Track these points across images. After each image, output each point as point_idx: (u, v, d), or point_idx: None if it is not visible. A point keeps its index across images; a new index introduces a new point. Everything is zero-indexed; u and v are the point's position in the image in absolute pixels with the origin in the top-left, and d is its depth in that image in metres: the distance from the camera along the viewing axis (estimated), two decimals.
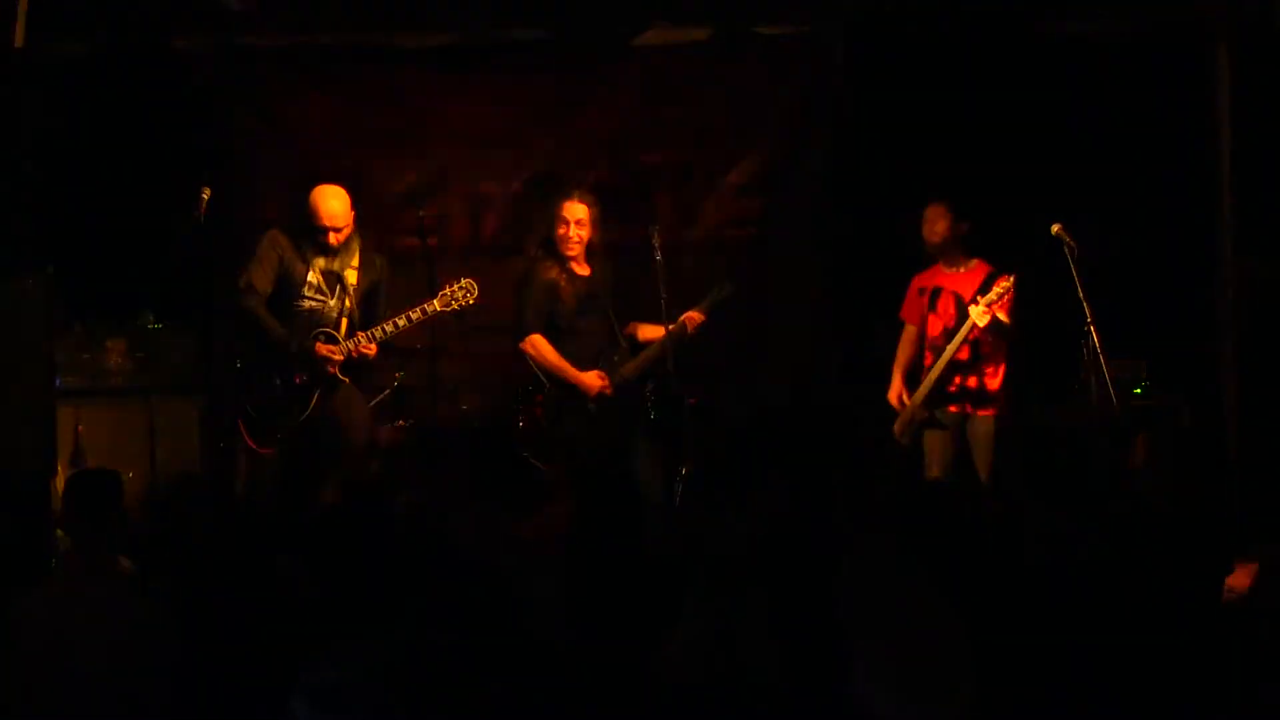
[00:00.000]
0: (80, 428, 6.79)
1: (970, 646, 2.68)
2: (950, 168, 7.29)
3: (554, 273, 6.62)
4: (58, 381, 6.00)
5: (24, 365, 5.61)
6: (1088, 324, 6.34)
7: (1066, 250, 6.33)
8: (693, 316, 6.61)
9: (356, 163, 7.82)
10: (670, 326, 6.40)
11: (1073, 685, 3.47)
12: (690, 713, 3.07)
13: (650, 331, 6.73)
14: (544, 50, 7.82)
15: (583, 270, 6.69)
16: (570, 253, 6.61)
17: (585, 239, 6.63)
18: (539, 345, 6.64)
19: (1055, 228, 6.41)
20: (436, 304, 6.41)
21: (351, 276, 6.43)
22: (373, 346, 6.36)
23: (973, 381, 6.61)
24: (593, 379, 6.61)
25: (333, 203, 6.37)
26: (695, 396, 7.04)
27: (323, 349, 6.31)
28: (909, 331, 6.88)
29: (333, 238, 6.35)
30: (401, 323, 6.40)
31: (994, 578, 3.71)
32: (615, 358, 6.66)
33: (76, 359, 6.89)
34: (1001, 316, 6.44)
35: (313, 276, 6.39)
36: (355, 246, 6.48)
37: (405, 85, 7.87)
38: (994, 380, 6.63)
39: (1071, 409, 7.14)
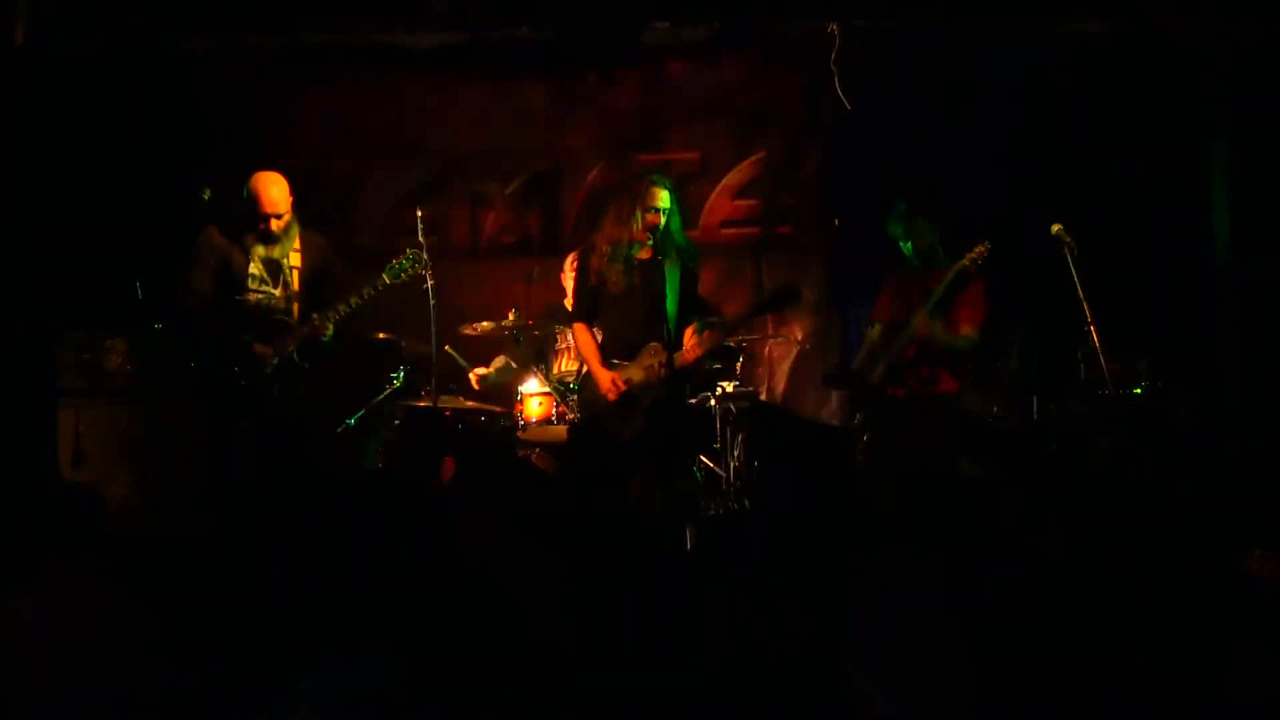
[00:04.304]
0: (80, 428, 6.79)
1: (968, 645, 2.69)
2: (949, 167, 7.29)
3: (596, 259, 6.52)
4: (58, 381, 5.99)
5: (24, 365, 5.62)
6: (1088, 324, 6.34)
7: (1066, 250, 6.33)
8: (687, 353, 6.27)
9: (356, 163, 7.84)
10: (666, 358, 6.15)
11: (1072, 685, 3.48)
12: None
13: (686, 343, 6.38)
14: (544, 50, 7.83)
15: (644, 254, 6.42)
16: (647, 239, 6.33)
17: (658, 223, 6.28)
18: (577, 334, 6.60)
19: (1055, 228, 6.40)
20: (385, 278, 6.35)
21: (295, 260, 6.37)
22: (327, 326, 6.28)
23: (924, 370, 6.35)
24: (605, 382, 6.50)
25: (273, 189, 6.31)
26: (695, 397, 7.04)
27: (259, 349, 6.23)
28: (874, 331, 6.63)
29: (274, 224, 6.29)
30: (355, 301, 6.32)
31: (993, 575, 3.71)
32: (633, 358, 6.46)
33: (76, 359, 6.89)
34: (940, 332, 6.25)
35: (254, 268, 6.33)
36: (295, 232, 6.40)
37: (405, 85, 7.88)
38: (944, 364, 6.36)
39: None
